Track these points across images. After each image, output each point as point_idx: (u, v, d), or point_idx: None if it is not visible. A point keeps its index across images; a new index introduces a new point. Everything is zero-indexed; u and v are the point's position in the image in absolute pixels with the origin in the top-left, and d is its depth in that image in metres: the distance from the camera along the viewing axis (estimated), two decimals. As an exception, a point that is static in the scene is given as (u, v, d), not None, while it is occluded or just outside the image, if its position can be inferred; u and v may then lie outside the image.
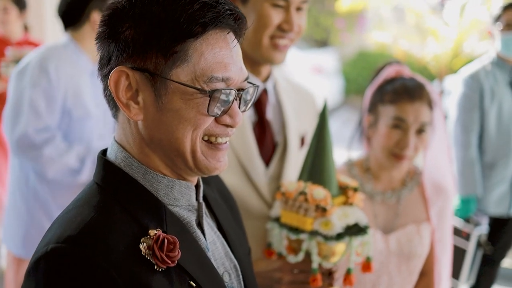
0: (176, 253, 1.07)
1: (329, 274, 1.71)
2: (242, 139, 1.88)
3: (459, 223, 3.68)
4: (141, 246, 1.05)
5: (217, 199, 1.37)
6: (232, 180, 1.84)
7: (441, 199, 2.28)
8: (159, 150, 1.14)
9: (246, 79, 1.18)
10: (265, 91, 1.97)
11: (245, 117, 1.89)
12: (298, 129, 2.04)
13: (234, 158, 1.86)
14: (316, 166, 1.74)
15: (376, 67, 2.38)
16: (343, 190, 1.78)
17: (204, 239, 1.22)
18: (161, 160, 1.15)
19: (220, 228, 1.31)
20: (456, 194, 2.46)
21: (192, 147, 1.12)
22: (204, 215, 1.24)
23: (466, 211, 3.72)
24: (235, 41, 1.15)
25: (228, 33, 1.13)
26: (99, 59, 1.15)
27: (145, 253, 1.05)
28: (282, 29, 1.83)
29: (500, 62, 3.77)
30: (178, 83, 1.08)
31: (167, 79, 1.08)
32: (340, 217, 1.69)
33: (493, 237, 3.79)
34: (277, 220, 1.77)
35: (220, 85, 1.10)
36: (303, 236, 1.66)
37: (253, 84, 1.20)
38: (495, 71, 3.76)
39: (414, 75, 2.28)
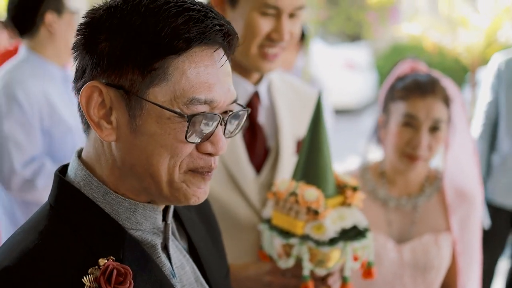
0: (127, 285, 0.95)
1: (322, 280, 1.57)
2: (231, 144, 1.73)
3: None
4: (85, 279, 0.93)
5: (193, 219, 1.24)
6: (218, 188, 1.72)
7: (465, 206, 2.04)
8: (131, 175, 1.01)
9: (235, 101, 1.04)
10: (256, 94, 1.84)
11: None
12: (294, 133, 1.90)
13: (220, 164, 1.72)
14: (310, 164, 1.59)
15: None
16: (341, 189, 1.63)
17: (169, 264, 1.09)
18: (132, 186, 1.03)
19: (193, 250, 1.18)
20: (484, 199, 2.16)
21: (169, 177, 1.00)
22: (172, 237, 1.11)
23: None
24: (224, 59, 1.01)
25: (215, 50, 1.00)
26: (75, 70, 1.04)
27: (90, 287, 0.93)
28: (271, 39, 1.69)
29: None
30: (154, 103, 0.96)
31: (143, 98, 0.96)
32: (334, 220, 1.53)
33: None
34: (268, 221, 1.64)
35: (202, 108, 0.98)
36: (293, 241, 1.52)
37: (243, 107, 1.06)
38: None
39: (430, 70, 2.10)
